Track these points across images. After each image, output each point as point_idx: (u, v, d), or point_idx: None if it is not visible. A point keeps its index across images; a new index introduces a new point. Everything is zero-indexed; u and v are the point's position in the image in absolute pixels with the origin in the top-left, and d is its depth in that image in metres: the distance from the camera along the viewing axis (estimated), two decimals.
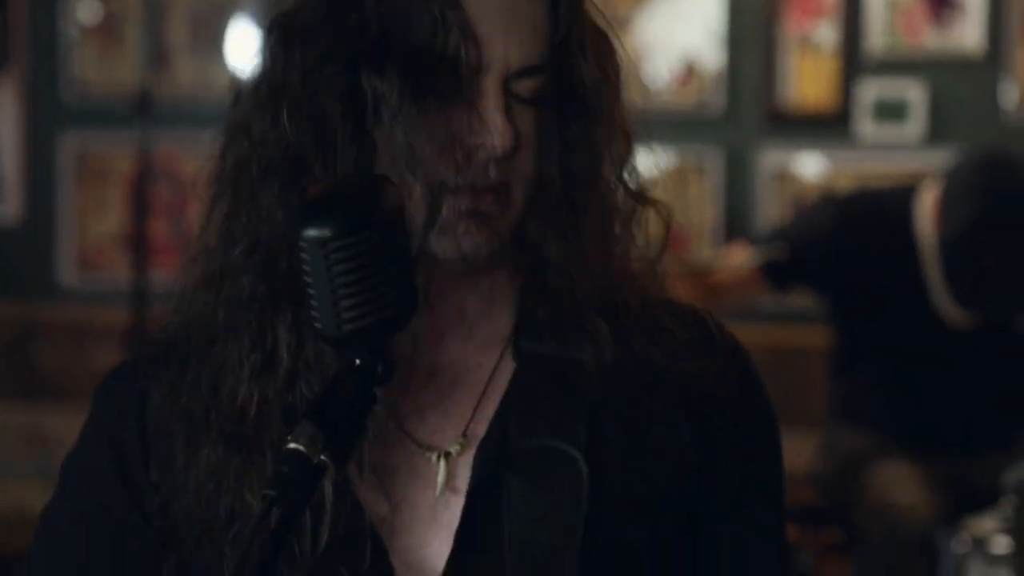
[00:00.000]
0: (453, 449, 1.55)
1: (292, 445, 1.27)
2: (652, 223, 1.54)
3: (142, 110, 4.92)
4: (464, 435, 1.56)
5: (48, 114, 5.66)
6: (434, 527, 1.57)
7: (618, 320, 1.58)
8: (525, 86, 1.44)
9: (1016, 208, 4.35)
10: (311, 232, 1.33)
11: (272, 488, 1.26)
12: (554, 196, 1.52)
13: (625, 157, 1.52)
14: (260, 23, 5.43)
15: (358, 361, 1.36)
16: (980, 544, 3.90)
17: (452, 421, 1.58)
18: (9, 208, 5.61)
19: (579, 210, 1.53)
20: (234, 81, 1.56)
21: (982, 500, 4.11)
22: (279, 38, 1.47)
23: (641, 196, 1.54)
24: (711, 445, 1.57)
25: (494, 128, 1.41)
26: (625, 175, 1.53)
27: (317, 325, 1.37)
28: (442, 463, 1.55)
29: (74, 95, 5.67)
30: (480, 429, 1.59)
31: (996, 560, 3.88)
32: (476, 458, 1.57)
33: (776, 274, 4.60)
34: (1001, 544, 3.82)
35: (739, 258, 4.69)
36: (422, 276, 1.46)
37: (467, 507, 1.53)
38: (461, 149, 1.43)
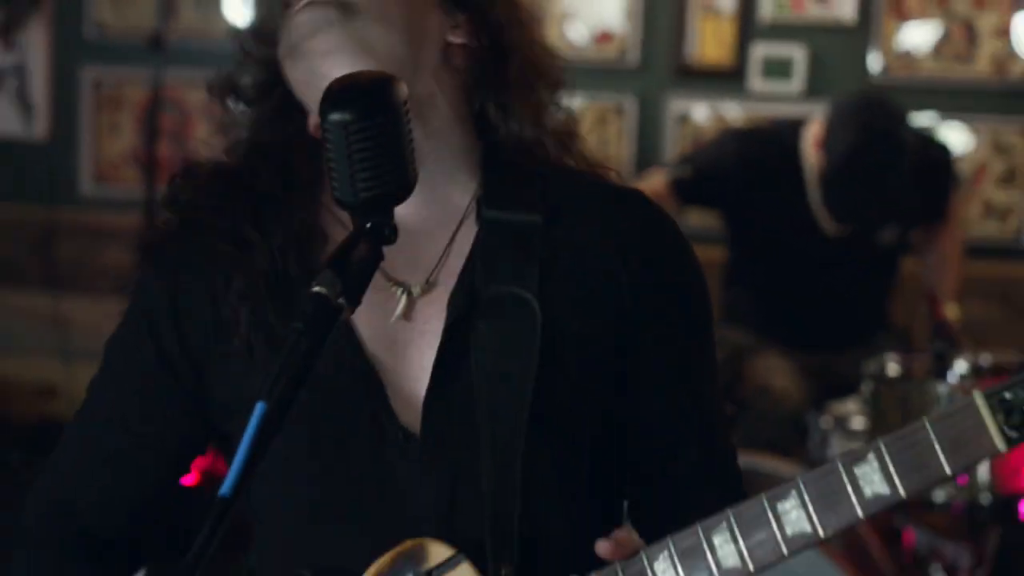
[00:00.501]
0: (415, 290, 1.76)
1: (316, 289, 1.44)
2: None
3: (154, 49, 5.02)
4: (427, 281, 1.77)
5: (73, 50, 5.78)
6: (416, 359, 1.76)
7: (566, 190, 1.81)
8: None
9: (885, 141, 4.65)
10: (335, 116, 1.50)
11: (300, 322, 1.44)
12: (514, 80, 1.77)
13: (557, 78, 1.81)
14: None
15: (369, 224, 1.53)
16: (841, 422, 4.31)
17: (418, 268, 1.77)
18: (39, 127, 5.73)
19: (538, 103, 1.80)
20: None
21: (844, 387, 4.47)
22: None
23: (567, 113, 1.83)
24: (645, 291, 1.78)
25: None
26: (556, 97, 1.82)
27: (337, 195, 1.53)
28: (404, 298, 1.75)
29: (95, 34, 5.84)
30: (443, 277, 1.78)
31: (854, 435, 4.22)
32: (449, 303, 1.74)
33: (683, 192, 4.88)
34: (858, 422, 4.21)
35: (653, 179, 4.93)
36: None
37: (442, 344, 1.72)
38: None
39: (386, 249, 1.61)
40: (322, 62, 1.66)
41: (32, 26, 5.78)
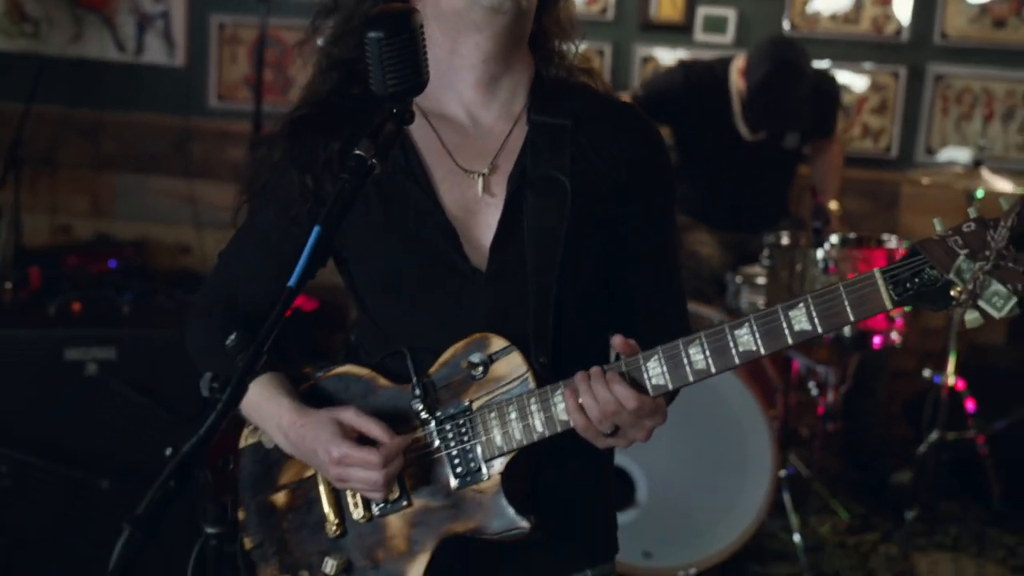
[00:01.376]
0: (485, 171, 1.80)
1: (357, 151, 1.53)
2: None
3: (262, 1, 5.08)
4: (491, 164, 1.80)
5: (203, 1, 5.80)
6: (483, 219, 1.80)
7: (586, 103, 1.86)
8: None
9: (790, 69, 4.74)
10: (372, 33, 1.55)
11: (345, 173, 1.53)
12: (559, 24, 1.84)
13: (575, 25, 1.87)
14: None
15: (394, 109, 1.59)
16: (749, 279, 4.57)
17: (482, 154, 1.80)
18: (178, 58, 5.79)
19: (570, 42, 1.87)
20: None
21: (752, 256, 4.64)
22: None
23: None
24: (634, 169, 1.84)
25: None
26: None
27: (372, 87, 1.58)
28: (480, 179, 1.80)
29: None
30: (503, 162, 1.81)
31: (757, 288, 4.50)
32: (509, 180, 1.78)
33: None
34: (760, 279, 4.45)
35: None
36: (481, 51, 1.75)
37: (504, 209, 1.77)
38: None
39: (459, 141, 1.79)
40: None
41: None
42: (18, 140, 5.16)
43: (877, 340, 4.36)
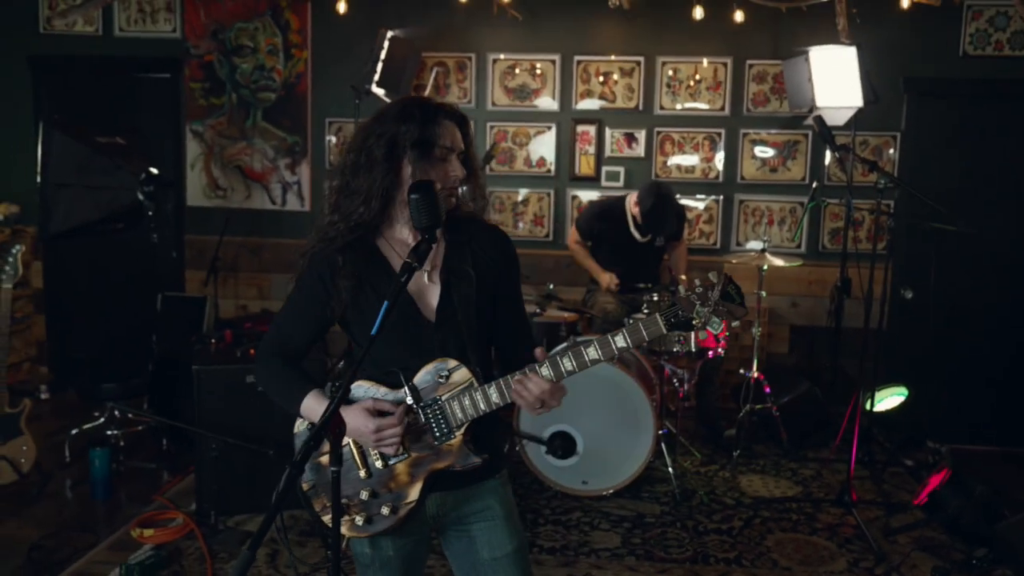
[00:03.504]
0: (428, 268, 1.77)
1: (407, 259, 1.57)
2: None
3: None
4: (432, 266, 1.77)
5: (320, 174, 5.53)
6: (429, 294, 1.75)
7: (475, 226, 1.78)
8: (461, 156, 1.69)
9: (664, 199, 4.63)
10: (414, 195, 1.58)
11: (400, 273, 1.56)
12: (470, 192, 1.76)
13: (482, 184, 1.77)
14: None
15: (427, 235, 1.58)
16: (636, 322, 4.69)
17: (426, 265, 1.76)
18: (306, 206, 5.59)
19: (478, 194, 1.77)
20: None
21: (638, 309, 4.37)
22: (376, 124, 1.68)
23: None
24: (505, 264, 1.80)
25: (458, 169, 1.70)
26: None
27: (414, 224, 1.58)
28: (426, 273, 1.76)
29: (328, 166, 5.50)
30: (437, 263, 1.77)
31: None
32: (441, 272, 1.75)
33: (579, 230, 4.90)
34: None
35: (572, 228, 4.96)
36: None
37: (441, 290, 1.74)
38: (446, 175, 1.67)
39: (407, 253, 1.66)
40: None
41: (303, 163, 5.61)
42: (215, 257, 5.37)
43: (711, 353, 4.39)
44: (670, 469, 4.23)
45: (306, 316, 1.77)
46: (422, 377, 1.71)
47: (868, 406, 4.38)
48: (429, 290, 1.75)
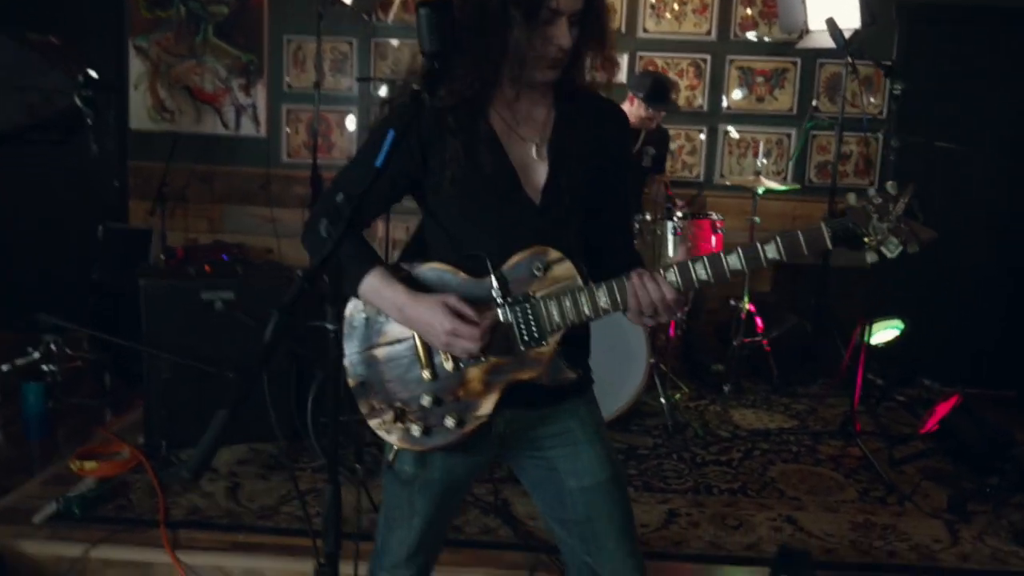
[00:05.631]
0: (537, 140, 1.63)
1: (413, 87, 1.42)
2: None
3: (316, 94, 4.72)
4: (540, 136, 1.63)
5: (276, 98, 5.41)
6: (534, 171, 1.62)
7: (592, 99, 1.66)
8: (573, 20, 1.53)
9: (657, 75, 4.36)
10: (423, 10, 1.41)
11: (406, 99, 1.43)
12: (578, 63, 1.59)
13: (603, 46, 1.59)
14: None
15: (435, 62, 1.43)
16: None
17: (534, 129, 1.64)
18: (262, 132, 5.40)
19: (586, 65, 1.60)
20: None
21: None
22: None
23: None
24: (616, 153, 1.70)
25: (563, 37, 1.53)
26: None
27: (421, 47, 1.43)
28: (534, 146, 1.63)
29: (286, 89, 5.43)
30: (545, 133, 1.64)
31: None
32: (549, 146, 1.63)
33: None
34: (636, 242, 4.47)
35: None
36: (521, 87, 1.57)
37: (549, 165, 1.63)
38: (546, 44, 1.53)
39: (515, 121, 1.60)
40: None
41: (258, 85, 5.40)
42: (162, 185, 5.06)
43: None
44: (663, 400, 4.11)
45: (370, 165, 1.58)
46: (513, 267, 1.58)
47: (864, 338, 4.27)
48: (536, 167, 1.61)
